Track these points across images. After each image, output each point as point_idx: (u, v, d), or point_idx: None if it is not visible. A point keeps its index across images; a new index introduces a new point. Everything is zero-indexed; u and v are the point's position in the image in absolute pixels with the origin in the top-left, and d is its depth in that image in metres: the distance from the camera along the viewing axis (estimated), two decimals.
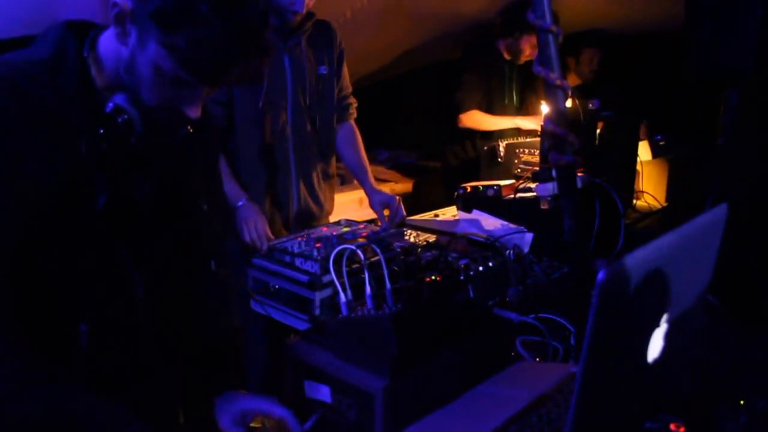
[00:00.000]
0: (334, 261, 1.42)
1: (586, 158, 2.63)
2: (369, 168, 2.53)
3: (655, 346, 0.83)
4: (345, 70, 2.52)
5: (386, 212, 2.29)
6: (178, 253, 1.27)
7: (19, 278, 1.03)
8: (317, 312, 1.64)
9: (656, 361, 0.84)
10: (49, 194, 1.02)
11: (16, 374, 1.00)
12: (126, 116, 1.05)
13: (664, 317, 0.82)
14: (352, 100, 2.57)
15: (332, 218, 2.54)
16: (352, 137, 2.57)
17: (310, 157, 2.41)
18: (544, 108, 3.34)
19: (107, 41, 1.07)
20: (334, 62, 2.43)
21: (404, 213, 2.27)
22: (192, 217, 1.28)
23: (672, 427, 1.09)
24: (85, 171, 1.06)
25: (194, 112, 1.08)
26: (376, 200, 2.35)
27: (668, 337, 0.85)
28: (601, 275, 0.61)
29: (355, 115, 2.59)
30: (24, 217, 1.01)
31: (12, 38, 1.14)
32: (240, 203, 2.18)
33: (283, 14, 2.18)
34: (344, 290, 1.28)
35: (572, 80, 4.23)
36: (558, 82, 1.43)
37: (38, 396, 1.01)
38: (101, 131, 1.05)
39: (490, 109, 3.64)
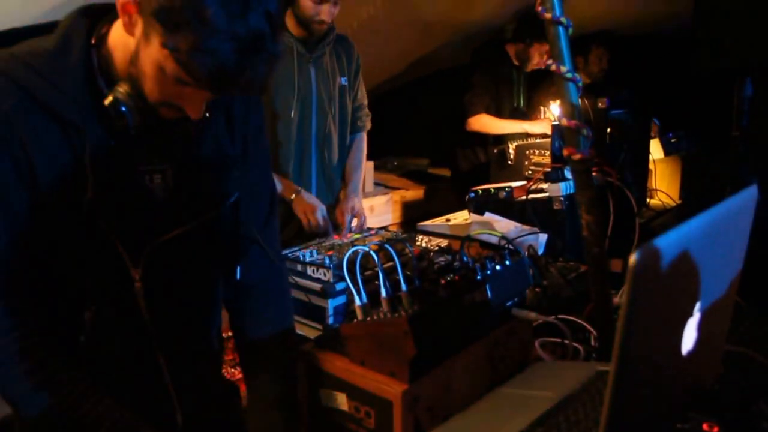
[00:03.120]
0: (347, 267, 1.39)
1: (598, 157, 2.60)
2: (362, 177, 2.58)
3: (688, 337, 0.78)
4: (361, 82, 2.56)
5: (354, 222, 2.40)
6: (188, 253, 1.20)
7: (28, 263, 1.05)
8: (331, 320, 1.60)
9: (690, 353, 0.80)
10: (45, 183, 1.02)
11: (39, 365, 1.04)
12: (122, 109, 1.01)
13: (697, 305, 0.78)
14: (367, 112, 2.61)
15: None
16: (360, 145, 2.61)
17: (333, 166, 2.44)
18: (554, 108, 3.31)
19: (118, 29, 1.03)
20: (352, 74, 2.49)
21: (365, 224, 2.41)
22: (210, 215, 1.19)
23: (705, 427, 1.04)
24: (80, 163, 1.03)
25: (196, 113, 1.04)
26: (350, 205, 2.43)
27: (701, 327, 0.80)
28: (634, 256, 0.57)
29: (368, 127, 2.62)
30: (23, 207, 1.02)
31: (37, 24, 1.10)
32: (293, 196, 2.28)
33: (309, 25, 2.21)
34: (358, 294, 1.24)
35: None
36: (569, 75, 1.40)
37: (56, 388, 1.04)
38: (99, 124, 1.03)
39: (498, 113, 3.63)
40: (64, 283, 1.09)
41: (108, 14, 1.08)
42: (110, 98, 1.01)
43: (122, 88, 1.01)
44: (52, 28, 1.07)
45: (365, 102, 2.60)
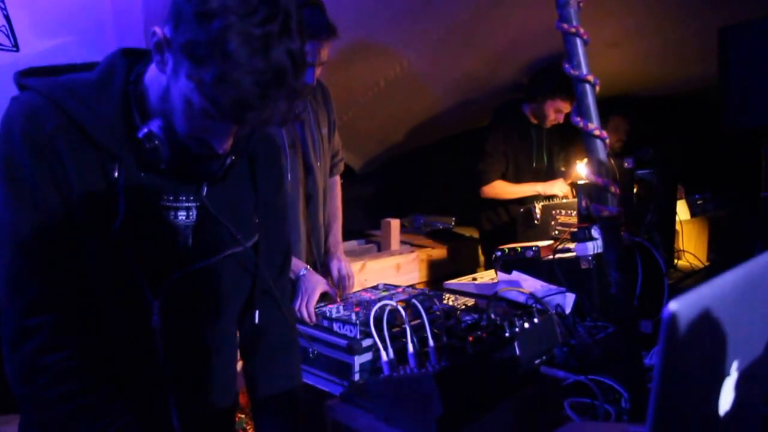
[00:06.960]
0: (374, 322, 1.39)
1: (625, 217, 2.58)
2: (340, 221, 2.56)
3: (726, 398, 0.76)
4: (336, 127, 2.57)
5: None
6: (207, 291, 1.22)
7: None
8: (356, 377, 1.59)
9: (728, 415, 0.78)
10: (79, 204, 1.06)
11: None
12: (155, 142, 1.06)
13: (734, 365, 0.76)
14: (342, 156, 2.61)
15: (371, 284, 2.51)
16: (336, 191, 2.60)
17: (319, 220, 2.44)
18: (579, 168, 3.32)
19: (153, 69, 1.09)
20: (332, 123, 2.49)
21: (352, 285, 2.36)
22: (230, 254, 1.22)
23: None
24: (111, 190, 1.08)
25: (222, 146, 1.08)
26: (335, 269, 2.39)
27: (739, 387, 0.78)
28: (666, 310, 0.57)
29: (341, 170, 2.63)
30: (61, 220, 1.05)
31: (80, 63, 1.19)
32: (301, 273, 2.18)
33: None
34: (385, 349, 1.23)
35: None
36: (597, 132, 1.41)
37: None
38: (131, 155, 1.08)
39: (518, 173, 3.64)
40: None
41: (145, 57, 1.15)
42: (144, 131, 1.06)
43: (156, 123, 1.07)
44: (93, 66, 1.14)
45: (340, 147, 2.60)
